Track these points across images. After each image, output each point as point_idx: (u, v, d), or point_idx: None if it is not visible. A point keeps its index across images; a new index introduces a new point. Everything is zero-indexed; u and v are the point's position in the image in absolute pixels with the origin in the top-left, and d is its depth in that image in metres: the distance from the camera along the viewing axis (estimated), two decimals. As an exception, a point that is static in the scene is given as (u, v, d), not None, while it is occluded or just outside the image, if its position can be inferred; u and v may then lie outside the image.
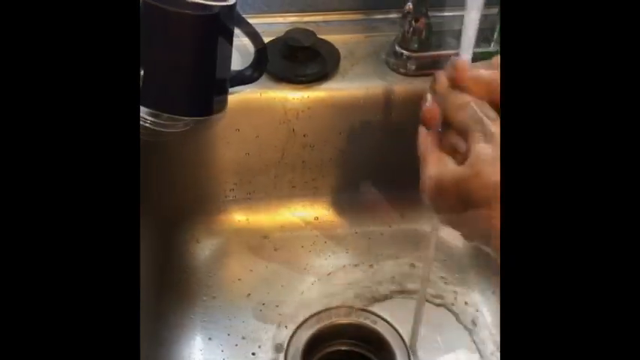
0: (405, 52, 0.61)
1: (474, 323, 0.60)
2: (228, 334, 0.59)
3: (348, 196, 0.68)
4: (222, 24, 0.49)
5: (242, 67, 0.56)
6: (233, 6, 0.50)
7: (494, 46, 0.61)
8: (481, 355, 0.58)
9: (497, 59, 0.36)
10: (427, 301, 0.59)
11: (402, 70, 0.62)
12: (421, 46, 0.61)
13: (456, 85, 0.36)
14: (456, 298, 0.62)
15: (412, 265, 0.65)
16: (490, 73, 0.35)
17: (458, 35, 0.62)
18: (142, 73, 0.45)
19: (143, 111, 0.48)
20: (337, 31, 0.66)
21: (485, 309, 0.61)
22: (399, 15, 0.61)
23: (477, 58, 0.38)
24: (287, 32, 0.62)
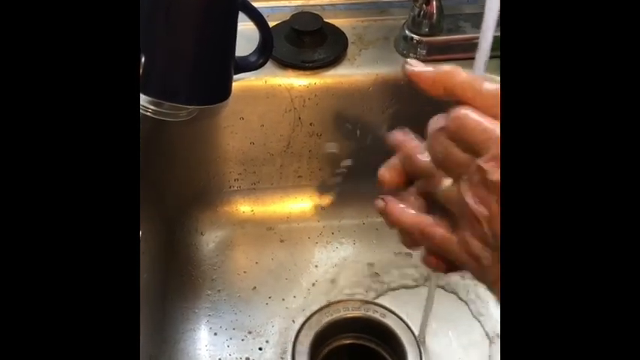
0: (415, 36, 0.60)
1: (485, 314, 0.59)
2: (234, 329, 0.58)
3: (355, 187, 0.66)
4: (226, 8, 0.48)
5: (246, 53, 0.54)
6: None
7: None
8: (492, 346, 0.57)
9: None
10: (437, 291, 0.58)
11: (412, 55, 0.61)
12: (432, 30, 0.60)
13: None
14: (466, 290, 0.61)
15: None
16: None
17: (470, 19, 0.61)
18: (142, 60, 0.44)
19: (145, 100, 0.47)
20: (344, 15, 0.65)
21: (495, 300, 0.60)
22: (410, -2, 0.60)
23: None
24: (292, 16, 0.61)
